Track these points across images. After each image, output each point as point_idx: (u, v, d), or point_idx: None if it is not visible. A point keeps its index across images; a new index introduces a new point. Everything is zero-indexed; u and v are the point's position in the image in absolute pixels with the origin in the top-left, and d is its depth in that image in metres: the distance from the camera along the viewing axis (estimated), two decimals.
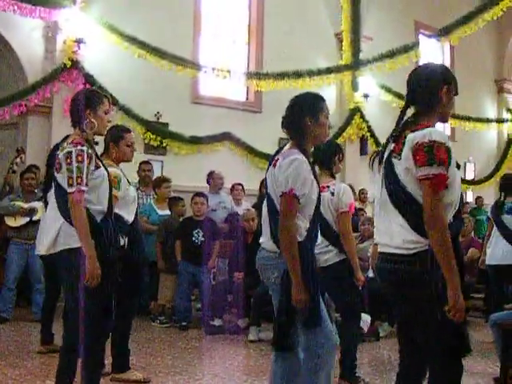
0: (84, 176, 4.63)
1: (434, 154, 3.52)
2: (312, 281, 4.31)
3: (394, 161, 3.71)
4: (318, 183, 4.47)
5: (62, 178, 4.70)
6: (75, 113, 4.92)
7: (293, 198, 4.25)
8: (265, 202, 4.61)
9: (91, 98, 4.98)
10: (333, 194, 6.25)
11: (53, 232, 4.73)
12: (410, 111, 3.91)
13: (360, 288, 6.40)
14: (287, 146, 4.52)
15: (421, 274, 3.59)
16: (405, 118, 3.88)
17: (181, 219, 10.12)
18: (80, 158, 4.64)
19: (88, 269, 4.56)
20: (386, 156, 3.82)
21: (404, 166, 3.63)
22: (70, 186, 4.61)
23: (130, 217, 6.14)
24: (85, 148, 4.68)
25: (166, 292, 9.72)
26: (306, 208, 4.37)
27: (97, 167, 4.80)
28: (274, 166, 4.45)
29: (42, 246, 4.95)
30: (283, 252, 4.31)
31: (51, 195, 4.99)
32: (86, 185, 4.64)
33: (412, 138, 3.61)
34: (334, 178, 6.41)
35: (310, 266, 4.35)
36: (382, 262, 3.86)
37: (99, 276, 4.60)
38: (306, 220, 4.38)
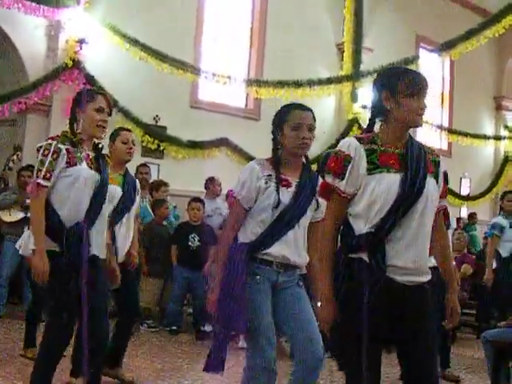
0: (44, 169, 4.58)
1: None
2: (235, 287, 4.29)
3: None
4: (278, 191, 4.36)
5: None
6: (70, 111, 4.93)
7: (233, 199, 4.48)
8: None
9: (82, 95, 4.91)
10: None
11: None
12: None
13: None
14: None
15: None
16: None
17: (164, 223, 10.09)
18: (46, 152, 4.62)
19: (32, 263, 4.59)
20: None
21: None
22: (33, 177, 4.71)
23: None
24: (54, 142, 4.65)
25: (146, 295, 9.64)
26: (258, 213, 4.38)
27: (71, 165, 4.69)
28: None
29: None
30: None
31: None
32: (47, 179, 4.59)
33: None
34: None
35: (234, 270, 4.29)
36: None
37: (46, 273, 4.55)
38: (258, 225, 4.37)
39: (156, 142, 12.91)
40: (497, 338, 6.40)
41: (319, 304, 3.69)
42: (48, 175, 4.59)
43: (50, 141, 4.68)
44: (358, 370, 3.50)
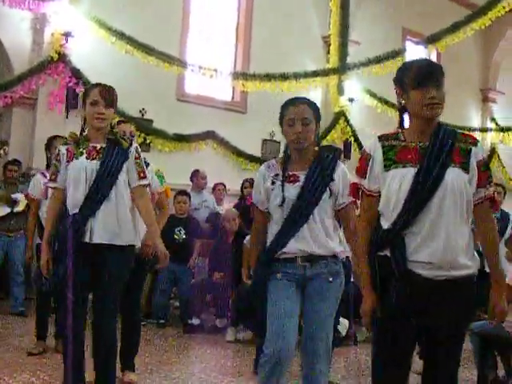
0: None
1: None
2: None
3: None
4: (282, 188, 4.43)
5: None
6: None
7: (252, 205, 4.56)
8: None
9: (82, 95, 5.24)
10: None
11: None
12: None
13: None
14: None
15: None
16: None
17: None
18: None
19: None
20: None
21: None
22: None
23: None
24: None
25: None
26: (273, 213, 4.49)
27: (69, 161, 5.07)
28: None
29: None
30: None
31: None
32: (53, 180, 5.15)
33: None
34: None
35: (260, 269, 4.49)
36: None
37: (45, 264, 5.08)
38: (276, 225, 4.46)
39: (142, 135, 12.86)
40: (482, 329, 6.42)
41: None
42: (53, 177, 5.13)
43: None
44: (386, 362, 3.66)
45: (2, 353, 6.87)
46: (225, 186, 12.08)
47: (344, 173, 4.46)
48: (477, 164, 3.61)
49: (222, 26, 15.24)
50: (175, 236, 9.62)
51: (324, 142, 14.98)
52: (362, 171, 3.71)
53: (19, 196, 9.22)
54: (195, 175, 11.68)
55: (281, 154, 4.74)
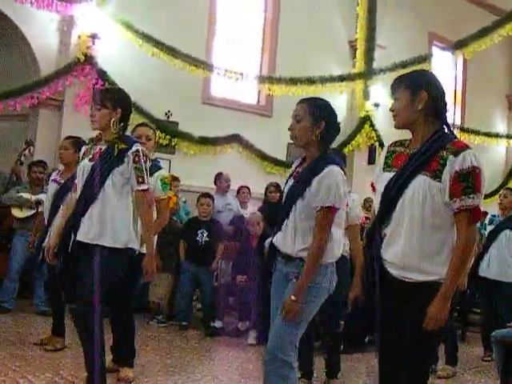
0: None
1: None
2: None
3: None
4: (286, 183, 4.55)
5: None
6: None
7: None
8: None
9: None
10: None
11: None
12: None
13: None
14: None
15: None
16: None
17: (174, 218, 10.12)
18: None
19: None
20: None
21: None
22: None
23: None
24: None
25: (156, 289, 9.70)
26: None
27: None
28: None
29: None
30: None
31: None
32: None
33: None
34: None
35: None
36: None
37: None
38: None
39: (168, 137, 12.92)
40: (506, 338, 6.37)
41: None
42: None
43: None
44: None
45: (25, 352, 6.88)
46: (249, 190, 12.07)
47: (326, 178, 4.25)
48: (451, 174, 3.56)
49: (248, 29, 15.26)
50: (197, 238, 9.63)
51: (349, 147, 15.01)
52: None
53: (44, 197, 9.27)
54: (218, 178, 11.66)
55: None
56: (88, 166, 5.13)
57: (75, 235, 5.09)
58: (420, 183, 3.59)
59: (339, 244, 4.40)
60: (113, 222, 5.04)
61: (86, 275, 4.99)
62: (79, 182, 5.19)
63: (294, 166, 4.55)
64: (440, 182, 3.57)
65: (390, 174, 3.74)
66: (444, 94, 3.82)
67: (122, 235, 5.09)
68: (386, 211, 3.71)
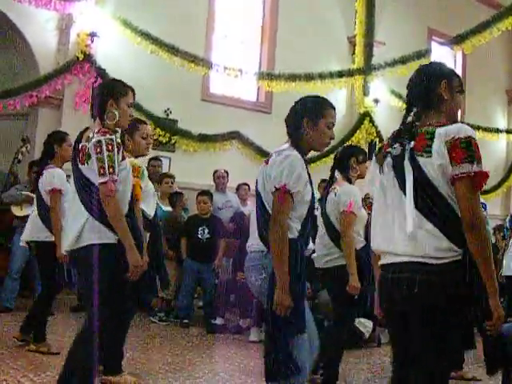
0: (116, 165, 4.47)
1: (474, 151, 3.29)
2: (299, 284, 4.09)
3: (420, 159, 3.40)
4: (311, 185, 4.30)
5: (87, 169, 4.53)
6: (97, 102, 4.76)
7: (285, 194, 4.06)
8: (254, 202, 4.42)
9: (115, 87, 4.84)
10: (335, 194, 6.24)
11: (78, 227, 4.51)
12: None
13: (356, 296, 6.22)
14: (284, 145, 4.35)
15: (455, 285, 3.29)
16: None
17: (182, 213, 10.19)
18: (110, 147, 4.46)
19: (130, 261, 4.51)
20: (399, 155, 3.54)
21: (437, 162, 3.33)
22: (102, 175, 4.41)
23: (151, 211, 6.03)
24: (113, 137, 4.53)
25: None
26: (298, 208, 4.18)
27: (123, 158, 4.64)
28: (267, 163, 4.30)
29: (67, 242, 4.66)
30: (272, 249, 4.06)
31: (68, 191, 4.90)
32: (117, 175, 4.50)
33: (444, 132, 3.35)
34: (349, 182, 6.34)
35: (299, 267, 4.08)
36: (397, 272, 3.46)
37: (142, 267, 4.62)
38: (297, 221, 4.18)
39: (167, 135, 12.91)
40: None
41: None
42: (117, 171, 4.55)
43: (108, 135, 4.52)
44: None
45: (27, 351, 6.89)
46: (249, 187, 12.07)
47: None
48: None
49: (247, 26, 15.25)
50: (199, 235, 9.63)
51: (349, 143, 14.97)
52: (480, 159, 3.37)
53: None
54: (214, 175, 11.70)
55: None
56: None
57: None
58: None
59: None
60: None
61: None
62: None
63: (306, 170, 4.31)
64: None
65: None
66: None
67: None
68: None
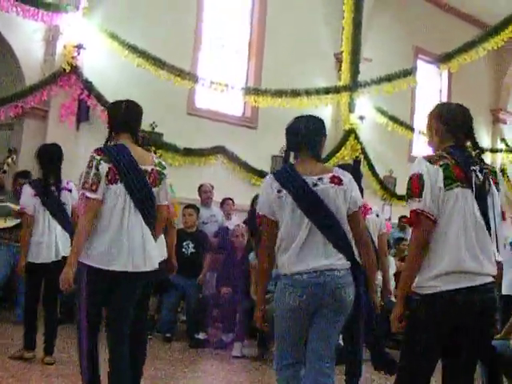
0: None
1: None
2: None
3: (494, 191, 4.10)
4: None
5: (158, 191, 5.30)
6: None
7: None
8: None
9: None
10: (377, 215, 6.39)
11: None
12: None
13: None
14: (327, 166, 4.79)
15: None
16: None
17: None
18: None
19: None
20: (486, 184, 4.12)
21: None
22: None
23: None
24: None
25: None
26: None
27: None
28: (336, 183, 4.38)
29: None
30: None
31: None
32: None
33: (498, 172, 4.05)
34: None
35: None
36: (488, 292, 3.88)
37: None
38: None
39: (153, 148, 12.87)
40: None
41: None
42: None
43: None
44: None
45: (7, 363, 6.83)
46: (233, 201, 12.08)
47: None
48: None
49: (234, 41, 15.27)
50: (183, 250, 9.60)
51: (334, 159, 15.00)
52: None
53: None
54: (199, 189, 11.71)
55: None
56: None
57: None
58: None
59: None
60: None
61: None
62: None
63: None
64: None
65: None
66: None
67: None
68: None
